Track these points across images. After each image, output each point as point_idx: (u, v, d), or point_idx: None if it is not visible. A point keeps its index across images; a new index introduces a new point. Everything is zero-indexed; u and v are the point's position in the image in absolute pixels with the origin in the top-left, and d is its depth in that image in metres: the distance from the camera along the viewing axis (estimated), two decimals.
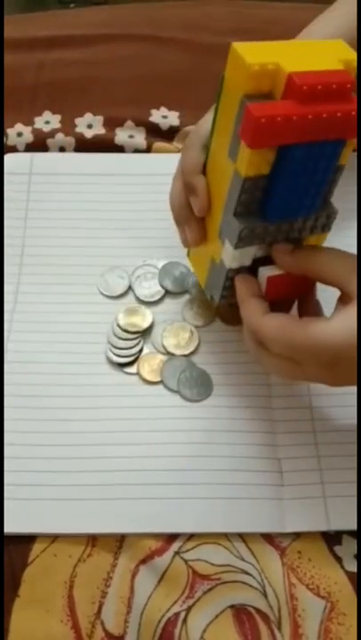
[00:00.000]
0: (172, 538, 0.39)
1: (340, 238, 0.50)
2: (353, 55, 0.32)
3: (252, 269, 0.38)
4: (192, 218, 0.40)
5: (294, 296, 0.40)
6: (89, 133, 0.57)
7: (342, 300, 0.35)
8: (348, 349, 0.32)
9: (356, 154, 0.55)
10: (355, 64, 0.32)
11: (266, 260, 0.38)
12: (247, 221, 0.35)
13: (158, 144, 0.56)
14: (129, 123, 0.57)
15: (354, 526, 0.38)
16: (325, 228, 0.38)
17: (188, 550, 0.38)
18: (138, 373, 0.44)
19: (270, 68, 0.31)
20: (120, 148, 0.56)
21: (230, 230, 0.36)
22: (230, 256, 0.37)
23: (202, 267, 0.42)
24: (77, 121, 0.57)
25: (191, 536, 0.39)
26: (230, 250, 0.36)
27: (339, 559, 0.38)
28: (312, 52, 0.33)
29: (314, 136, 0.32)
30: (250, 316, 0.36)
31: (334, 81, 0.31)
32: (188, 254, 0.45)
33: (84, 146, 0.56)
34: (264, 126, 0.30)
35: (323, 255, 0.36)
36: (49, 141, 0.56)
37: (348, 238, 0.50)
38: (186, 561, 0.38)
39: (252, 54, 0.31)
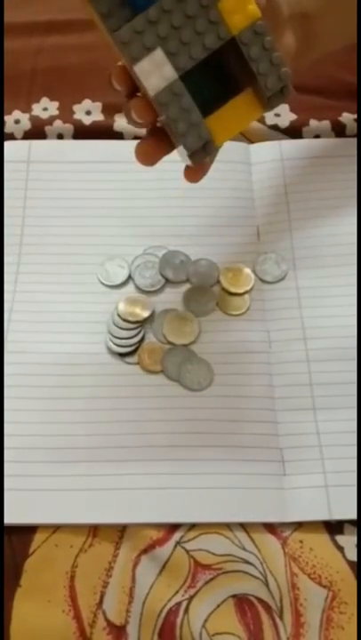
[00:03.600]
0: (173, 528, 0.39)
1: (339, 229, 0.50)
2: None
3: (200, 94, 0.32)
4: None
5: None
6: (87, 120, 0.56)
7: None
8: None
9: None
10: None
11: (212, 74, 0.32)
12: (122, 22, 0.30)
13: None
14: None
15: (356, 515, 0.38)
16: None
17: (189, 540, 0.38)
18: (138, 363, 0.44)
19: None
20: (119, 135, 0.55)
21: (123, 50, 0.30)
22: (144, 74, 0.31)
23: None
24: (76, 107, 0.57)
25: (193, 526, 0.39)
26: (138, 67, 0.31)
27: (341, 548, 0.38)
28: None
29: None
30: None
31: None
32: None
33: (82, 133, 0.55)
34: None
35: None
36: (47, 128, 0.55)
37: (348, 226, 0.50)
38: (187, 551, 0.38)
39: None
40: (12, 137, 0.55)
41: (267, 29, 0.31)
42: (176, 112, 0.32)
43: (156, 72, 0.31)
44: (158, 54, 0.31)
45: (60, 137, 0.56)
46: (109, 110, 0.56)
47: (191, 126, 0.32)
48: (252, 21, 0.31)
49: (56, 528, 0.39)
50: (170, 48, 0.31)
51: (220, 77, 0.34)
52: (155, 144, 0.36)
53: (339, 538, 0.38)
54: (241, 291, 0.47)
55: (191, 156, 0.33)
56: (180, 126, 0.32)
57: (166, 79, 0.31)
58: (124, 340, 0.45)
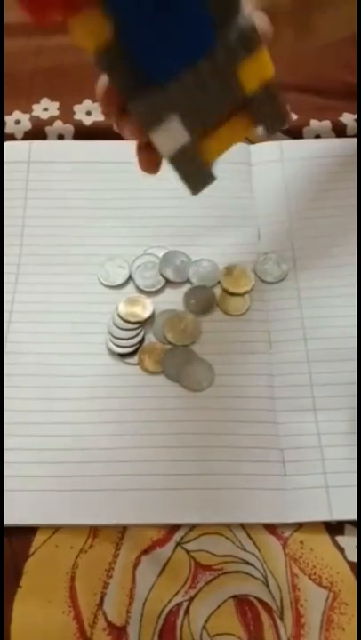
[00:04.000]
0: (173, 528, 0.39)
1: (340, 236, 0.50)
2: None
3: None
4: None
5: None
6: (88, 120, 0.56)
7: None
8: None
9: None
10: None
11: None
12: (139, 95, 0.28)
13: None
14: None
15: (356, 516, 0.38)
16: (251, 42, 0.28)
17: (189, 541, 0.38)
18: (139, 364, 0.44)
19: None
20: (120, 135, 0.55)
21: (138, 118, 0.30)
22: (158, 139, 0.30)
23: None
24: (76, 108, 0.57)
25: (193, 526, 0.39)
26: (153, 134, 0.30)
27: (341, 549, 0.38)
28: None
29: None
30: None
31: None
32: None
33: (83, 133, 0.55)
34: None
35: None
36: (47, 129, 0.55)
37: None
38: (188, 551, 0.38)
39: None
40: (12, 137, 0.55)
41: (276, 86, 0.31)
42: (187, 168, 0.32)
43: (170, 137, 0.30)
44: (174, 122, 0.30)
45: (61, 137, 0.56)
46: None
47: (199, 176, 0.33)
48: (265, 81, 0.30)
49: (56, 529, 0.39)
50: (185, 117, 0.30)
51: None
52: (155, 152, 0.35)
53: (339, 538, 0.38)
54: (241, 291, 0.47)
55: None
56: (190, 180, 0.33)
57: (180, 142, 0.31)
58: (124, 341, 0.45)
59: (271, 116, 0.32)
